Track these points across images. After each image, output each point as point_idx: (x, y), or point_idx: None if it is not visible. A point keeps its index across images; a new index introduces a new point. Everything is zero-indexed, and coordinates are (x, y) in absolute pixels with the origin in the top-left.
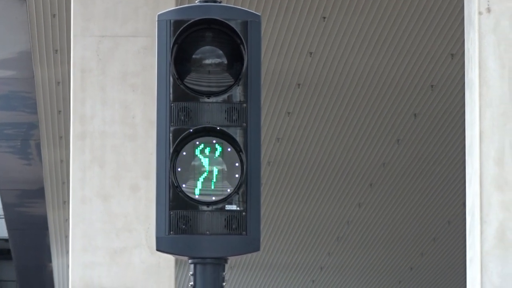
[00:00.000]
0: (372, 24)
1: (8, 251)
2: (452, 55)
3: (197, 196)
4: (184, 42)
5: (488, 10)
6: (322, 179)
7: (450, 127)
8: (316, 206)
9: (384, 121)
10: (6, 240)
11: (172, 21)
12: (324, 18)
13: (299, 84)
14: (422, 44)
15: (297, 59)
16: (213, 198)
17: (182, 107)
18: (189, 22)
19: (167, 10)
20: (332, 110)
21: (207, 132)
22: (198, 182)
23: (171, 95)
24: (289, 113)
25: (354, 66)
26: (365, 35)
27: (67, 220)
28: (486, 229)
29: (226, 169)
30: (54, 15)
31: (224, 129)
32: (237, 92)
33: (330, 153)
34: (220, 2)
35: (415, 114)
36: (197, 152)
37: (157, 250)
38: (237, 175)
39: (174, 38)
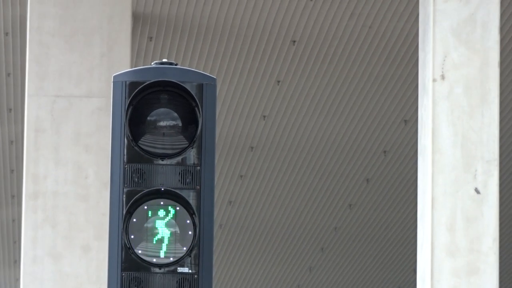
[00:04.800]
0: (326, 89)
1: None
2: (405, 121)
3: (149, 258)
4: (139, 103)
5: (442, 77)
6: (274, 242)
7: (402, 193)
8: (267, 270)
9: (337, 186)
10: None
11: (127, 83)
12: (279, 82)
13: (252, 147)
14: (375, 109)
15: (250, 122)
16: (165, 260)
17: (136, 168)
18: (144, 84)
19: (123, 71)
20: (284, 173)
21: (160, 194)
22: (150, 244)
23: (125, 157)
24: (241, 176)
25: (307, 130)
26: (318, 99)
27: (18, 279)
28: None
29: (178, 232)
30: (8, 74)
31: (178, 191)
32: (191, 155)
33: (282, 217)
34: (176, 65)
35: (367, 179)
36: (150, 214)
37: None
38: (189, 238)
39: (130, 99)
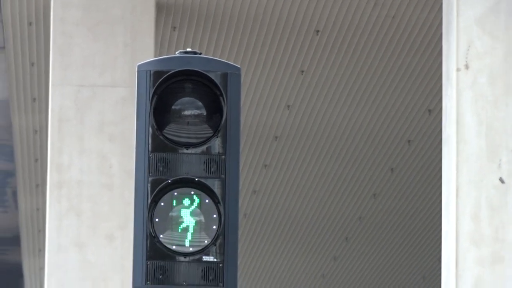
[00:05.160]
0: (350, 79)
1: None
2: (429, 110)
3: (174, 247)
4: (164, 93)
5: (466, 67)
6: (298, 232)
7: (426, 182)
8: (292, 259)
9: (361, 175)
10: None
11: (152, 72)
12: (302, 71)
13: (276, 137)
14: (399, 99)
15: (274, 112)
16: (190, 249)
17: (161, 157)
18: (169, 73)
19: (147, 60)
20: (309, 163)
21: (185, 183)
22: (175, 232)
23: (150, 146)
24: (266, 165)
25: (331, 119)
26: (343, 89)
27: (42, 268)
28: (461, 285)
29: (203, 220)
30: (32, 64)
31: (202, 180)
32: (216, 144)
33: (306, 206)
34: (200, 54)
35: (392, 169)
36: (175, 202)
37: None
38: (214, 227)
39: (154, 88)
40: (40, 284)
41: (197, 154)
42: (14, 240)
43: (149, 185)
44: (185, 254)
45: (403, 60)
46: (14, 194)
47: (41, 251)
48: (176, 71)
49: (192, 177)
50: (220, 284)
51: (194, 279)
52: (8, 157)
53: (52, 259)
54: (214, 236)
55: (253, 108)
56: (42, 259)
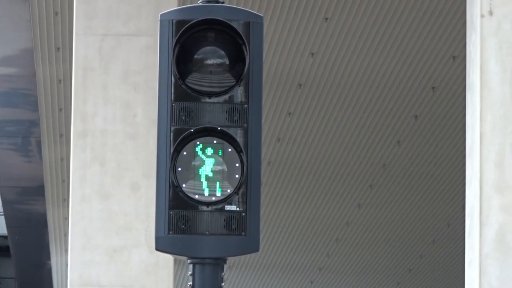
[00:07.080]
0: (374, 26)
1: (7, 248)
2: (453, 57)
3: (197, 196)
4: (186, 42)
5: (490, 13)
6: (322, 179)
7: (450, 129)
8: (316, 207)
9: (385, 122)
10: (5, 237)
11: (174, 21)
12: (326, 19)
13: (300, 85)
14: (423, 46)
15: (298, 60)
16: (213, 198)
17: (183, 107)
18: (191, 22)
19: (170, 10)
20: (333, 110)
21: (208, 132)
22: (198, 182)
23: (172, 95)
24: (290, 113)
25: (355, 67)
26: (366, 36)
27: (66, 218)
28: (485, 232)
29: (226, 170)
30: (56, 13)
31: (225, 129)
32: (239, 93)
33: (330, 154)
34: (222, 3)
35: (415, 116)
36: (198, 152)
37: (157, 249)
38: (237, 176)
39: (176, 38)
40: (64, 234)
41: (219, 103)
42: (38, 190)
43: (171, 134)
44: (208, 204)
45: (427, 6)
46: (38, 144)
47: (65, 200)
48: (199, 20)
49: (214, 126)
50: (243, 233)
51: (217, 228)
52: (32, 107)
53: (76, 208)
54: (237, 185)
55: (277, 56)
56: (66, 208)
